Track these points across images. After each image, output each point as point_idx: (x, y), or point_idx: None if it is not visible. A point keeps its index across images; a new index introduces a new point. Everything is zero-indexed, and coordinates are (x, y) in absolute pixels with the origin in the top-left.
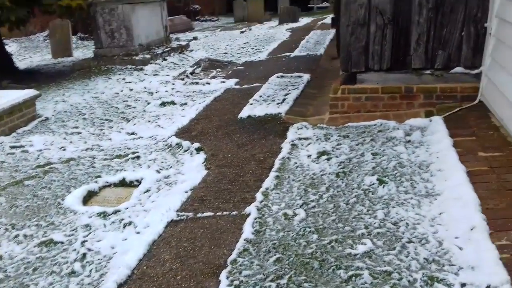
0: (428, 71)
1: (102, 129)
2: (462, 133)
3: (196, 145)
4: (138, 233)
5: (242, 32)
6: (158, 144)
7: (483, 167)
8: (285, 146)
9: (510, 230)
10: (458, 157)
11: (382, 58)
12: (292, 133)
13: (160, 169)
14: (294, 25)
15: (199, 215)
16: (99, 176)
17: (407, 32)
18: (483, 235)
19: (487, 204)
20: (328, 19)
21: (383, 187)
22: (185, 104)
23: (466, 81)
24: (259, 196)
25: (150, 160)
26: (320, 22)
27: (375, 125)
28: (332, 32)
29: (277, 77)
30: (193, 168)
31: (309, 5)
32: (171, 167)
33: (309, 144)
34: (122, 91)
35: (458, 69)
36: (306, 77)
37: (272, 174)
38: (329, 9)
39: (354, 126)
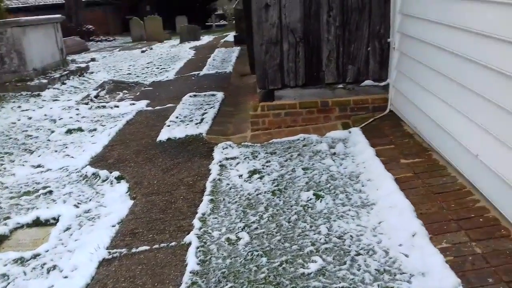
0: (340, 85)
1: (2, 164)
2: (381, 142)
3: (116, 173)
4: (65, 277)
5: (143, 51)
6: (71, 176)
7: (408, 174)
8: (214, 168)
9: (446, 233)
10: (384, 165)
11: (297, 75)
12: (218, 153)
13: (79, 203)
14: (197, 43)
15: (133, 250)
16: (8, 218)
17: (318, 49)
18: (425, 240)
19: (420, 210)
20: (230, 37)
21: (321, 201)
22: (95, 130)
23: (376, 93)
24: (196, 222)
25: (65, 194)
26: (222, 40)
27: (298, 139)
28: (236, 49)
29: (190, 96)
30: (116, 199)
31: (207, 23)
32: (90, 200)
33: (237, 163)
34: (19, 120)
35: (368, 82)
36: (220, 95)
37: (206, 198)
38: (228, 27)
39: (278, 142)
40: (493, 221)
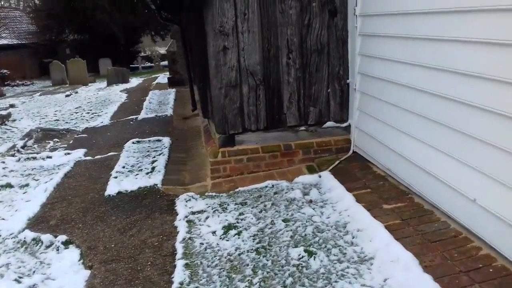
0: (303, 128)
1: None
2: (356, 186)
3: (62, 237)
4: None
5: (67, 95)
6: (6, 243)
7: (396, 220)
8: (181, 224)
9: (463, 287)
10: (369, 212)
11: (259, 118)
12: (181, 207)
13: (20, 277)
14: (127, 85)
15: None
16: None
17: (279, 91)
18: None
19: (424, 262)
20: (161, 79)
21: (314, 258)
22: (27, 185)
23: (338, 134)
24: None
25: (1, 267)
26: (154, 82)
27: (267, 187)
28: (171, 91)
29: (134, 142)
30: (66, 270)
31: (132, 65)
32: (34, 272)
33: (207, 217)
34: None
35: (330, 123)
36: (166, 140)
37: (180, 262)
38: (155, 69)
39: (246, 190)
40: (504, 270)
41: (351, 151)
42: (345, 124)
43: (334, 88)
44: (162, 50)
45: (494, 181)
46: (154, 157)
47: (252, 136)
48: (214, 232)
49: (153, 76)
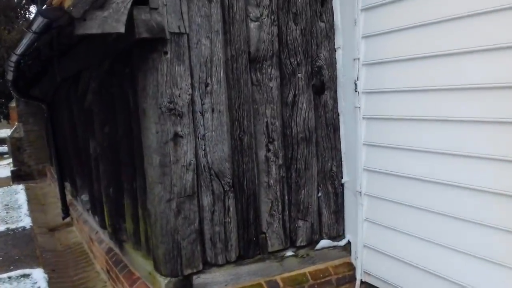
0: (290, 252)
1: None
2: None
3: None
4: None
5: None
6: None
7: None
8: None
9: None
10: None
11: (228, 244)
12: None
13: None
14: None
15: None
16: None
17: (255, 200)
18: None
19: None
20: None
21: None
22: None
23: (336, 257)
24: None
25: None
26: None
27: None
28: (19, 189)
29: None
30: None
31: None
32: None
33: None
34: None
35: (324, 242)
36: (38, 275)
37: None
38: None
39: None
40: None
41: (358, 283)
42: (343, 242)
43: (326, 191)
44: None
45: None
46: None
47: (220, 275)
48: None
49: None
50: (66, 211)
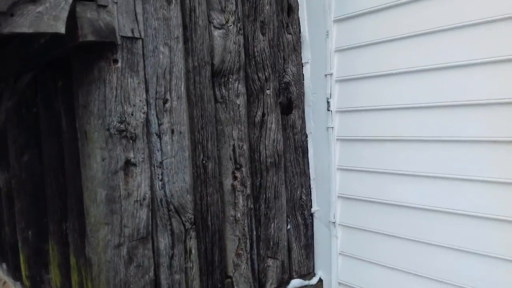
0: None
1: None
2: None
3: None
4: None
5: None
6: None
7: None
8: None
9: None
10: None
11: None
12: None
13: None
14: None
15: None
16: None
17: (221, 238)
18: None
19: None
20: None
21: None
22: None
23: None
24: None
25: None
26: None
27: None
28: None
29: None
30: None
31: None
32: None
33: None
34: None
35: (295, 282)
36: None
37: None
38: None
39: None
40: None
41: None
42: (314, 280)
43: (296, 222)
44: None
45: None
46: None
47: None
48: None
49: None
50: None
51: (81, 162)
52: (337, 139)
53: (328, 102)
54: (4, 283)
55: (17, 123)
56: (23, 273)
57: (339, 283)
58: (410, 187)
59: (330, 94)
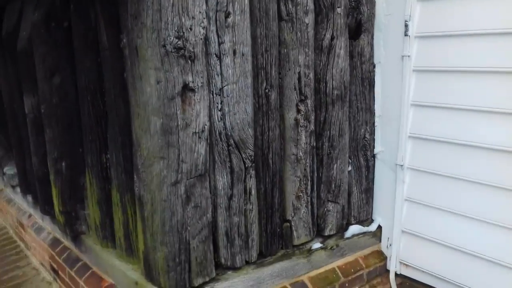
0: (318, 244)
1: None
2: None
3: None
4: None
5: None
6: None
7: None
8: None
9: None
10: None
11: (249, 239)
12: None
13: None
14: None
15: None
16: None
17: (281, 179)
18: None
19: None
20: None
21: None
22: None
23: (366, 246)
24: None
25: None
26: None
27: None
28: None
29: None
30: None
31: None
32: None
33: None
34: None
35: (354, 228)
36: None
37: None
38: None
39: None
40: None
41: (392, 276)
42: (373, 227)
43: (358, 164)
44: None
45: None
46: None
47: (238, 281)
48: None
49: None
50: None
51: (130, 85)
52: (413, 70)
53: (406, 25)
54: (30, 216)
55: (46, 40)
56: (56, 209)
57: (403, 231)
58: (498, 128)
59: (410, 16)
